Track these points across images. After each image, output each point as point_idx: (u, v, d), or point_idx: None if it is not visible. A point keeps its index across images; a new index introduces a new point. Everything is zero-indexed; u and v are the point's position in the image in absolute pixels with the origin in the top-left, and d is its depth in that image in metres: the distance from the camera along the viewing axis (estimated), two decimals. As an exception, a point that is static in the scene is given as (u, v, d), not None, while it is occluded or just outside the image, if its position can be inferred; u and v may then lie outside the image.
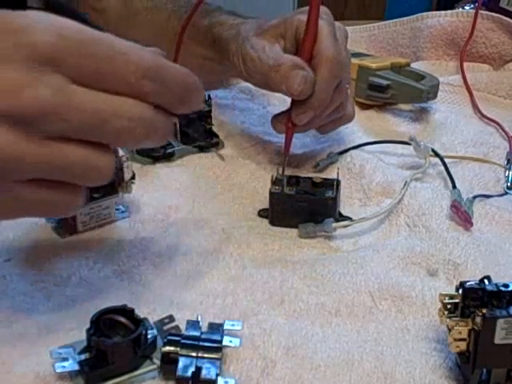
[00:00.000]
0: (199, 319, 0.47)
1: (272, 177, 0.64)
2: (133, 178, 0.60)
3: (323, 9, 0.66)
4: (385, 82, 0.83)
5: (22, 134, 0.39)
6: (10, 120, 0.38)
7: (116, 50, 0.41)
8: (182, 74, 0.44)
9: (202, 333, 0.46)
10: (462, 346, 0.45)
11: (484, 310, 0.43)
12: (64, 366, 0.44)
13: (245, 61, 0.67)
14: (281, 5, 2.23)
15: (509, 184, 0.70)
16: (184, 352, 0.45)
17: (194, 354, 0.45)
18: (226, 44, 0.71)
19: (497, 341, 0.43)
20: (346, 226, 0.63)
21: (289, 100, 0.67)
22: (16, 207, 0.42)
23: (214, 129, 0.76)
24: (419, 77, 0.85)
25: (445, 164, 0.70)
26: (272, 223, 0.64)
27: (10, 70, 0.38)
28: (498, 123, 0.82)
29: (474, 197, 0.66)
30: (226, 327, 0.47)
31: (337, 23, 0.68)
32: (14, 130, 0.39)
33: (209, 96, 0.74)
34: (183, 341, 0.45)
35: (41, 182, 0.41)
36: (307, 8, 0.66)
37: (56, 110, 0.39)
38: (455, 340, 0.45)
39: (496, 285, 0.45)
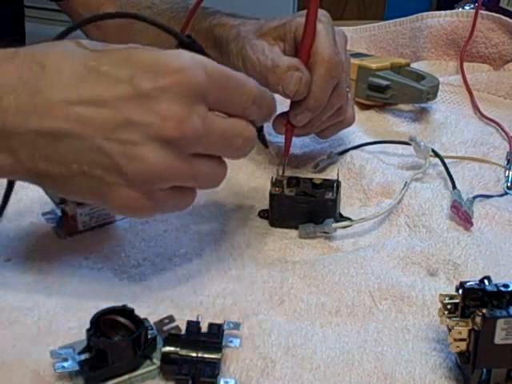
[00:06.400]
0: (199, 319, 0.47)
1: (272, 178, 0.64)
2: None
3: (322, 11, 0.66)
4: (385, 83, 0.83)
5: (173, 154, 0.47)
6: (167, 143, 0.46)
7: (239, 82, 0.50)
8: (272, 98, 0.54)
9: (202, 333, 0.46)
10: (462, 346, 0.45)
11: (484, 310, 0.43)
12: (64, 366, 0.44)
13: (244, 62, 0.67)
14: (281, 5, 2.23)
15: (509, 184, 0.70)
16: (184, 352, 0.45)
17: (193, 354, 0.45)
18: (227, 45, 0.71)
19: (497, 341, 0.43)
20: (345, 227, 0.63)
21: (289, 100, 0.67)
22: (151, 208, 0.49)
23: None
24: (419, 77, 0.85)
25: (445, 164, 0.70)
26: (272, 224, 0.64)
27: (174, 104, 0.46)
28: (497, 123, 0.82)
29: (474, 197, 0.66)
30: (226, 327, 0.47)
31: (336, 28, 0.68)
32: (167, 150, 0.46)
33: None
34: (183, 341, 0.46)
35: (174, 187, 0.49)
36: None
37: (202, 135, 0.47)
38: (455, 340, 0.45)
39: (496, 285, 0.45)
